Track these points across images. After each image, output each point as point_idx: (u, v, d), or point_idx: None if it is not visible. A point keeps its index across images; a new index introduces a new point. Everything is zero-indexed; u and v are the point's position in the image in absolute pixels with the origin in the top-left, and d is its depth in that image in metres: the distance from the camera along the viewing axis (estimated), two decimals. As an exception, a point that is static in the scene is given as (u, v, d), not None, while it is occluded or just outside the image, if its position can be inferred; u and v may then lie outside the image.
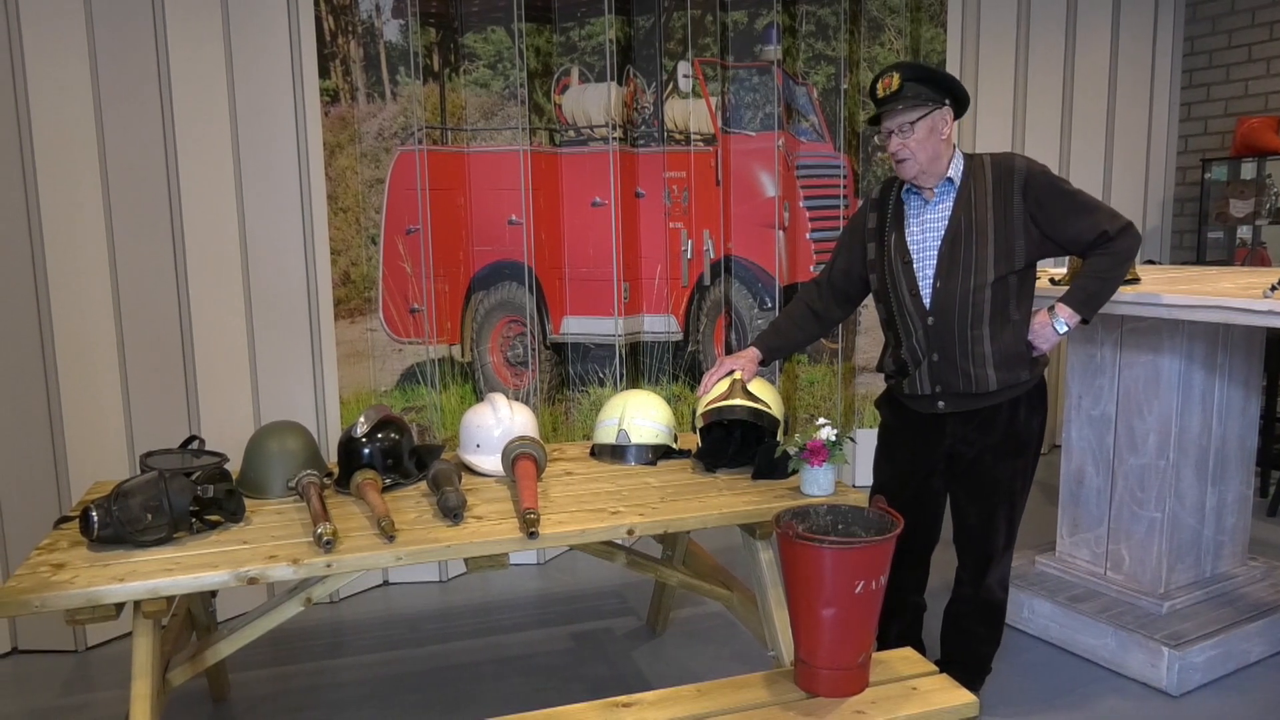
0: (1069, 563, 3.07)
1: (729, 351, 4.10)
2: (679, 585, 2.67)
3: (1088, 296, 2.22)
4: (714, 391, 2.46)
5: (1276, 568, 3.08)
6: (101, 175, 2.89)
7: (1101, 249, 2.20)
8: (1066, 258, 3.54)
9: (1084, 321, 2.25)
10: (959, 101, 2.24)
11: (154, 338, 3.03)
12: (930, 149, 2.21)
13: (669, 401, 3.65)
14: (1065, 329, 2.24)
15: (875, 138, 2.36)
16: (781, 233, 4.14)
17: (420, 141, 3.42)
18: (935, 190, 2.27)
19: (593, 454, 2.64)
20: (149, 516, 1.93)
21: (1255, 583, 2.97)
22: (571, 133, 3.73)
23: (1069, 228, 2.19)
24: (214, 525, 2.06)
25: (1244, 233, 4.93)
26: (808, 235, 4.29)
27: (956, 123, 2.28)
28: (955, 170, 2.26)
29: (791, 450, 2.26)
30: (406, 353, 3.51)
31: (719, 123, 3.98)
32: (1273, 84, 4.99)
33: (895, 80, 2.19)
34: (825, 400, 4.42)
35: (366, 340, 3.44)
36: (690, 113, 3.96)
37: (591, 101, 3.71)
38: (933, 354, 2.27)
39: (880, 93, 2.23)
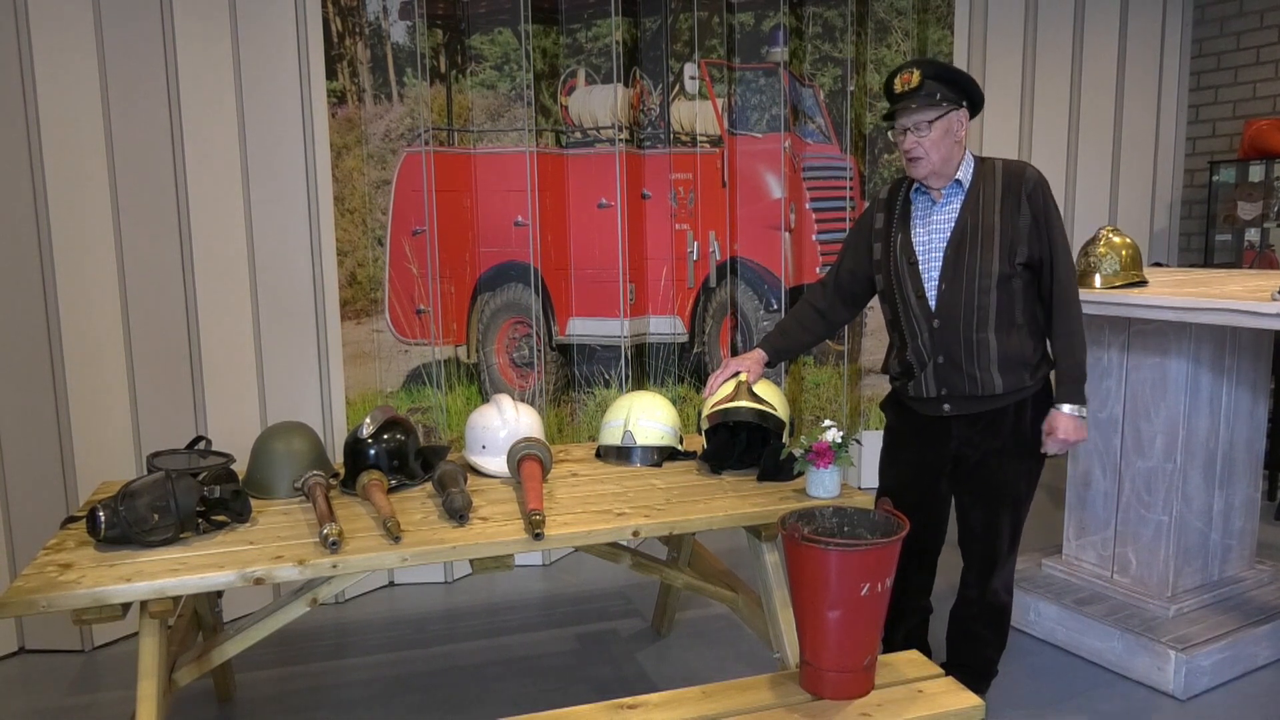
0: (1075, 566, 3.06)
1: (734, 353, 4.10)
2: (684, 587, 2.67)
3: (1076, 381, 2.24)
4: (719, 393, 2.45)
5: (1284, 571, 3.08)
6: (109, 175, 2.90)
7: (1062, 319, 2.22)
8: (1074, 262, 3.51)
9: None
10: (974, 104, 2.24)
11: (161, 338, 3.04)
12: (944, 150, 2.19)
13: (674, 403, 3.65)
14: (1081, 414, 2.25)
15: (889, 134, 2.33)
16: (788, 234, 4.14)
17: (427, 143, 3.43)
18: (943, 192, 2.26)
19: (598, 455, 2.64)
20: (155, 517, 1.93)
21: (1263, 586, 2.96)
22: (578, 134, 3.73)
23: (1051, 249, 2.22)
24: (220, 526, 2.07)
25: (1252, 235, 4.91)
26: (814, 237, 4.29)
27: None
28: (965, 173, 2.25)
29: (797, 452, 2.26)
30: (412, 354, 3.52)
31: (725, 124, 3.98)
32: (1281, 86, 4.98)
33: (915, 76, 2.17)
34: (831, 402, 4.41)
35: (372, 341, 3.45)
36: (696, 114, 3.96)
37: (598, 103, 3.71)
38: (938, 356, 2.27)
39: (899, 88, 2.20)
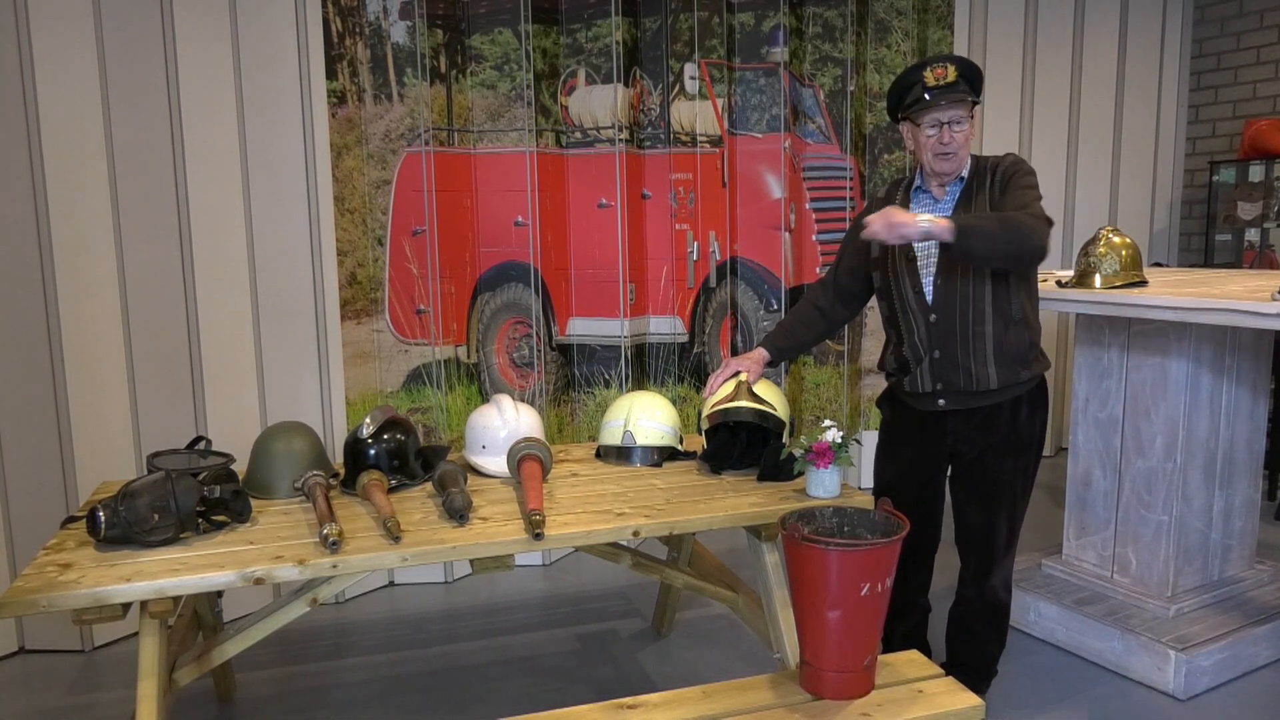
0: (1075, 565, 3.06)
1: (734, 353, 4.10)
2: (684, 587, 2.67)
3: (970, 225, 2.05)
4: (719, 393, 2.46)
5: (1284, 571, 3.07)
6: (109, 176, 2.90)
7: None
8: (1074, 262, 3.51)
9: (947, 245, 2.08)
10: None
11: (161, 338, 3.03)
12: (969, 146, 2.25)
13: (674, 403, 3.65)
14: (926, 230, 2.04)
15: (919, 126, 2.27)
16: (788, 234, 4.14)
17: (427, 143, 3.43)
18: (947, 189, 2.28)
19: (598, 455, 2.64)
20: (156, 517, 1.93)
21: (1263, 586, 2.96)
22: (578, 134, 3.73)
23: (1007, 202, 2.17)
24: (220, 526, 2.07)
25: (1252, 235, 4.92)
26: (814, 237, 4.29)
27: None
28: (966, 170, 2.28)
29: (797, 452, 2.26)
30: (412, 354, 3.51)
31: (725, 124, 3.98)
32: (1281, 86, 4.98)
33: (952, 72, 2.18)
34: (831, 402, 4.41)
35: (373, 341, 3.45)
36: (697, 114, 3.96)
37: (598, 103, 3.71)
38: (934, 351, 2.28)
39: (932, 81, 2.20)
